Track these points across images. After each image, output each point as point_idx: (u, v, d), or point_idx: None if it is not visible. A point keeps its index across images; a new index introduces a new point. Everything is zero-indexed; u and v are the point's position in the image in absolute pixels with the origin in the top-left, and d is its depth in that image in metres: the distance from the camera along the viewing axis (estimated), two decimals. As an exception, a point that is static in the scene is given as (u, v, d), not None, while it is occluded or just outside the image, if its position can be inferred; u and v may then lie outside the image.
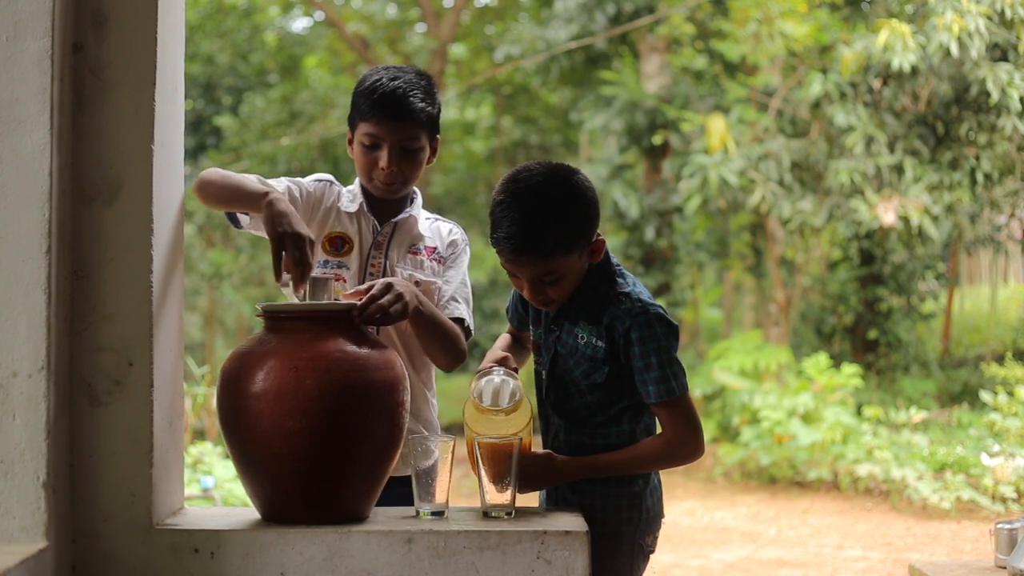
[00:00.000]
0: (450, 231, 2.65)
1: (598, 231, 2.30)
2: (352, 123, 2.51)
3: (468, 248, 2.68)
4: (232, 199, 2.37)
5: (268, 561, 2.04)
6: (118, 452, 2.06)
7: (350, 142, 2.53)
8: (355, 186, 2.59)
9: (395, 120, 2.43)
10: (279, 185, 2.50)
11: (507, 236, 2.21)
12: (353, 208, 2.55)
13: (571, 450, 2.33)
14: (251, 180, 2.36)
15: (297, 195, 2.52)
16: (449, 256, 2.61)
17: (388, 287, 2.22)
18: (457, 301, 2.55)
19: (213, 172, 2.38)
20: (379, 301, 2.19)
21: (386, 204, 2.56)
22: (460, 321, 2.52)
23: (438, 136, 2.56)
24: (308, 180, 2.59)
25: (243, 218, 2.47)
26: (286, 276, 2.22)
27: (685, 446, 2.26)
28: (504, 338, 2.62)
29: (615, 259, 2.35)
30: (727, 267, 13.34)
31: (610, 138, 13.26)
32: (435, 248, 2.59)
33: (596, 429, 2.32)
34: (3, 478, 1.91)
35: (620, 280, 2.31)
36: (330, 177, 2.62)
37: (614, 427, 2.31)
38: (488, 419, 2.24)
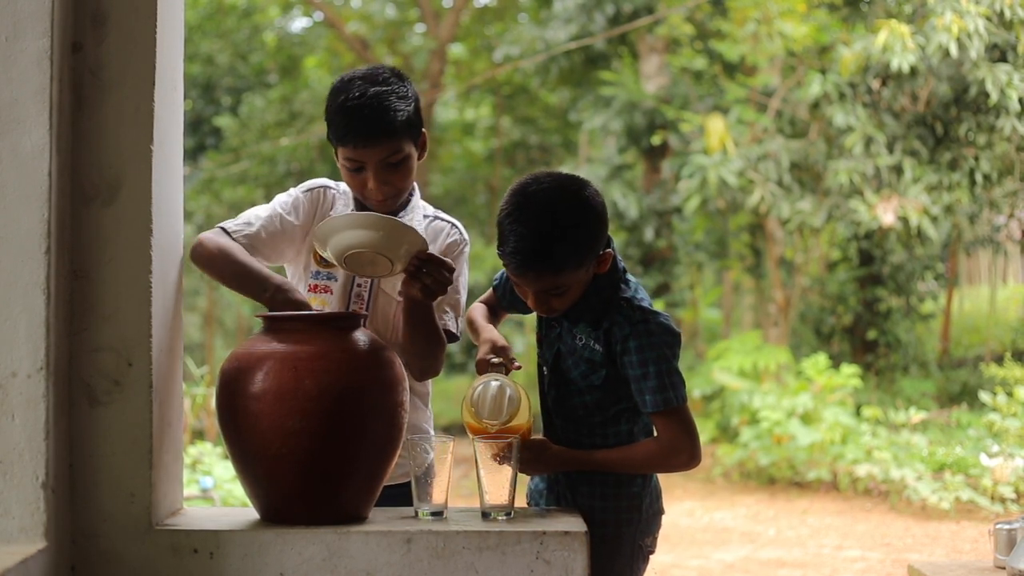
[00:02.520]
0: (448, 232, 2.52)
1: (610, 237, 2.28)
2: (332, 142, 2.39)
3: (467, 248, 2.56)
4: (238, 284, 2.32)
5: (267, 561, 2.04)
6: (117, 452, 2.06)
7: (336, 156, 2.40)
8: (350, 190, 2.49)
9: (372, 142, 2.31)
10: (270, 211, 2.42)
11: (514, 251, 2.18)
12: None
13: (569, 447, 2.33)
14: (255, 264, 2.31)
15: (292, 220, 2.44)
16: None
17: (452, 268, 2.22)
18: (446, 310, 2.46)
19: (213, 243, 2.32)
20: (439, 269, 2.19)
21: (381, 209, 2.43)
22: (447, 333, 2.44)
23: (424, 131, 2.43)
24: (299, 191, 2.49)
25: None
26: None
27: (679, 455, 2.25)
28: (482, 309, 2.57)
29: (622, 263, 2.33)
30: (726, 267, 13.34)
31: (609, 138, 13.26)
32: None
33: (594, 429, 2.32)
34: (2, 478, 1.91)
35: (623, 286, 2.30)
36: (323, 182, 2.52)
37: (612, 428, 2.31)
38: (486, 427, 2.24)
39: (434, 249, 2.45)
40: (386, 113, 2.31)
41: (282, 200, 2.47)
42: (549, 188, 2.21)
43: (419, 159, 2.44)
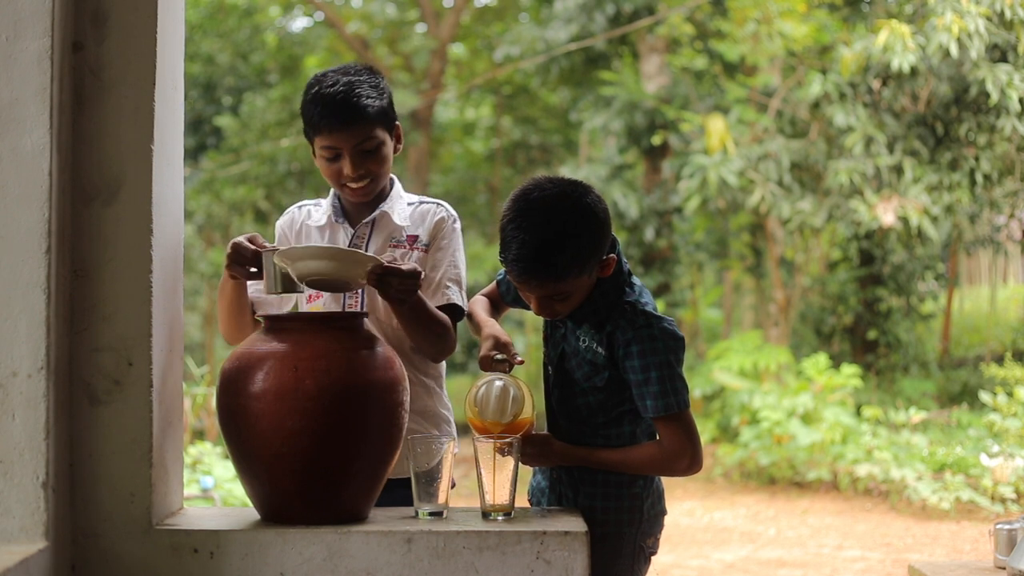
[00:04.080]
0: (435, 212, 2.54)
1: (615, 240, 2.28)
2: (308, 137, 2.48)
3: (458, 225, 2.58)
4: (225, 299, 2.41)
5: (267, 561, 2.04)
6: (118, 452, 2.06)
7: (314, 154, 2.49)
8: (329, 196, 2.57)
9: (346, 127, 2.39)
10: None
11: (516, 259, 2.18)
12: (322, 221, 2.54)
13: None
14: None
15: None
16: (436, 239, 2.52)
17: (413, 273, 2.23)
18: (448, 285, 2.49)
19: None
20: (399, 278, 2.20)
21: (361, 205, 2.53)
22: (453, 307, 2.47)
23: (397, 123, 2.51)
24: (279, 222, 2.62)
25: (252, 294, 2.48)
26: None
27: (680, 460, 2.25)
28: (484, 303, 2.58)
29: (627, 266, 2.33)
30: (727, 267, 13.33)
31: (610, 138, 13.25)
32: (417, 236, 2.51)
33: (597, 429, 2.32)
34: (3, 478, 1.91)
35: (627, 289, 2.30)
36: (300, 202, 2.63)
37: (615, 429, 2.31)
38: (490, 426, 2.24)
39: (423, 230, 2.52)
40: (359, 99, 2.40)
41: (278, 237, 2.61)
42: (551, 195, 2.21)
43: (395, 152, 2.52)
